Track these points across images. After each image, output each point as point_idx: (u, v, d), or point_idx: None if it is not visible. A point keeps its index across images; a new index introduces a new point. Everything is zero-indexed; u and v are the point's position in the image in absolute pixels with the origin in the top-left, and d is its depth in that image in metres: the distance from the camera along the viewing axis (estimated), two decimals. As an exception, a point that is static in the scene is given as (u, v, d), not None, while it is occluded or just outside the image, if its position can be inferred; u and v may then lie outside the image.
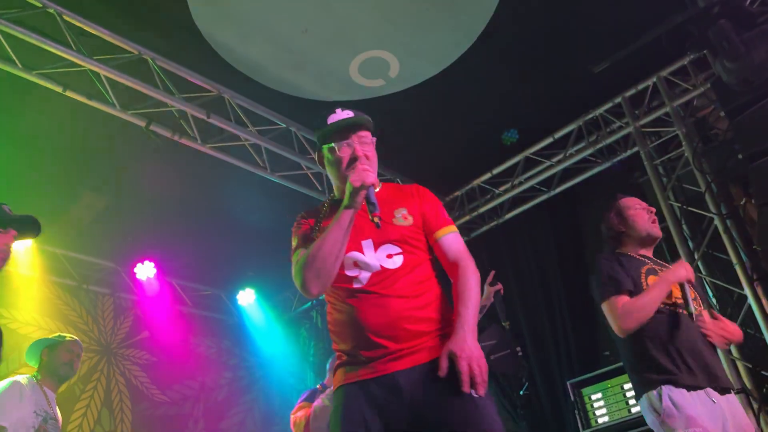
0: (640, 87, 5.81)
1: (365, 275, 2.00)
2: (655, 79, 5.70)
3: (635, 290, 2.73)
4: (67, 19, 4.44)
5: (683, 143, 5.47)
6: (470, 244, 4.36)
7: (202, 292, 7.91)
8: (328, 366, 4.52)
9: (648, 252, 2.99)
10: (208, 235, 6.74)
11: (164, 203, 6.18)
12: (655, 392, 2.56)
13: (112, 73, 4.67)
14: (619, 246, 3.00)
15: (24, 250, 6.21)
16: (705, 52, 4.74)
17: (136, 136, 5.14)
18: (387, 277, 1.99)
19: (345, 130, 2.12)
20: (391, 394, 1.86)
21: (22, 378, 3.69)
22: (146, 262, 6.94)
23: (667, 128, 5.71)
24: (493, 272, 4.01)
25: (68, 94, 4.61)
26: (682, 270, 2.75)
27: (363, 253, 2.02)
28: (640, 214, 2.99)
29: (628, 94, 5.87)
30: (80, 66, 4.59)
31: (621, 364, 4.60)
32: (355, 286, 2.00)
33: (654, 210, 3.05)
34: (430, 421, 1.82)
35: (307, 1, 4.56)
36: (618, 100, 5.92)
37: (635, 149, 5.89)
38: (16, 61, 4.38)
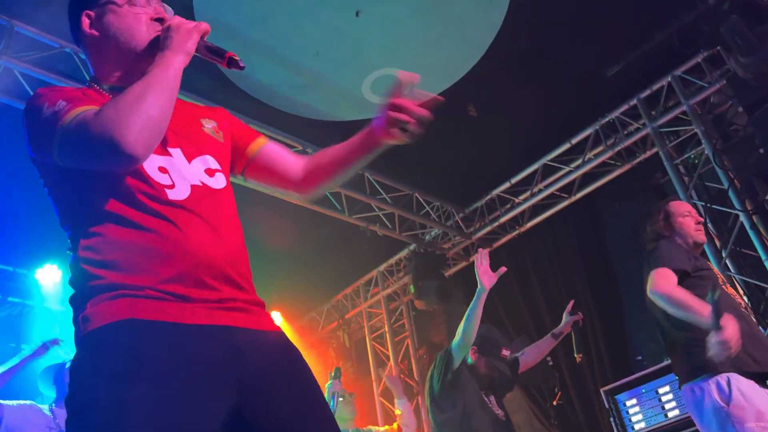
0: (655, 87, 5.77)
1: (182, 188, 1.37)
2: (669, 79, 5.66)
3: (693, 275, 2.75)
4: (84, 57, 4.55)
5: (703, 141, 5.41)
6: (493, 255, 4.37)
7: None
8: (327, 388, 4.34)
9: None
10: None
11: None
12: (719, 379, 2.48)
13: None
14: None
15: None
16: (718, 48, 4.72)
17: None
18: (212, 198, 1.41)
19: None
20: (224, 353, 1.24)
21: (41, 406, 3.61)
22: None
23: (686, 127, 5.66)
24: (572, 301, 4.13)
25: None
26: (727, 335, 2.38)
27: (171, 158, 1.41)
28: (687, 222, 3.02)
29: (643, 95, 5.84)
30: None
31: (655, 368, 4.56)
32: (171, 197, 1.34)
33: (702, 220, 3.06)
34: (263, 411, 1.25)
35: (318, 25, 4.62)
36: (633, 101, 5.89)
37: (654, 150, 5.84)
38: (38, 102, 4.49)
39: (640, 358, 5.43)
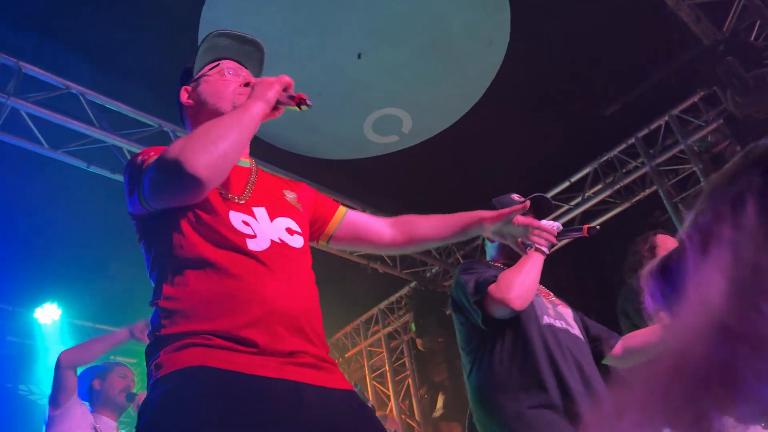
0: (653, 126, 5.84)
1: (262, 241, 1.42)
2: (667, 118, 5.73)
3: None
4: (89, 98, 4.62)
5: (701, 180, 5.45)
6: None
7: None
8: None
9: None
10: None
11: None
12: None
13: (134, 146, 4.82)
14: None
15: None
16: (714, 88, 4.79)
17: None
18: (289, 255, 1.46)
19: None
20: (289, 408, 1.24)
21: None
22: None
23: (684, 165, 5.71)
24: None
25: (92, 169, 4.76)
26: None
27: (254, 217, 1.47)
28: None
29: (641, 134, 5.90)
30: (103, 141, 4.74)
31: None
32: (251, 248, 1.39)
33: None
34: None
35: (320, 67, 4.71)
36: (632, 140, 5.95)
37: (653, 188, 5.88)
38: (43, 142, 4.54)
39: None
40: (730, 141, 5.12)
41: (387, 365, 7.81)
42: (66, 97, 4.56)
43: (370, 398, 7.73)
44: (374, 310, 7.97)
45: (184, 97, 1.67)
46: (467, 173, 5.91)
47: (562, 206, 6.41)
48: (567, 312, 2.27)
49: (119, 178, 4.90)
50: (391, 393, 7.67)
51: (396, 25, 4.60)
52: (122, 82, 4.61)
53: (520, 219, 1.85)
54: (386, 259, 6.74)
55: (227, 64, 1.66)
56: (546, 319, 2.10)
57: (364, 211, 6.29)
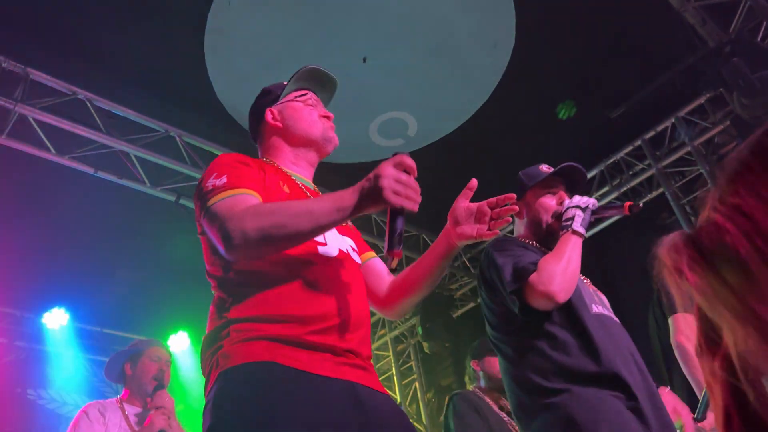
0: (659, 128, 5.82)
1: (332, 248, 1.52)
2: (673, 120, 5.72)
3: None
4: (96, 104, 4.65)
5: (709, 182, 5.43)
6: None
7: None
8: None
9: None
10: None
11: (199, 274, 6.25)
12: None
13: (141, 151, 4.84)
14: None
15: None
16: (721, 90, 4.78)
17: (167, 211, 5.27)
18: (351, 265, 1.56)
19: None
20: (350, 406, 1.30)
21: (96, 404, 3.02)
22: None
23: (691, 167, 5.69)
24: None
25: (100, 174, 4.78)
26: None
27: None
28: None
29: (648, 136, 5.89)
30: (110, 147, 4.76)
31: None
32: (321, 252, 1.48)
33: None
34: None
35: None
36: (638, 142, 5.93)
37: (660, 190, 5.86)
38: (50, 148, 4.57)
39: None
40: (737, 142, 5.10)
41: (394, 369, 7.80)
42: (73, 103, 4.58)
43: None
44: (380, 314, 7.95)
45: (269, 116, 1.75)
46: (473, 176, 5.88)
47: (568, 209, 6.39)
48: (604, 298, 2.17)
49: (126, 183, 4.92)
50: (398, 397, 7.66)
51: (401, 28, 4.61)
52: (129, 87, 4.64)
53: (464, 204, 1.68)
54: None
55: (312, 96, 1.81)
56: (594, 308, 2.00)
57: (370, 215, 6.30)
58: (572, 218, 2.03)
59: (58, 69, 4.46)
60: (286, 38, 4.50)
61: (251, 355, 1.28)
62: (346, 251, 1.57)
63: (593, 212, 2.04)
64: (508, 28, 4.68)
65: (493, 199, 1.65)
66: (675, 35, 4.80)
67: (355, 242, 1.70)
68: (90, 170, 4.73)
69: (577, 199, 2.07)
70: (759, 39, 4.56)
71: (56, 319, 6.22)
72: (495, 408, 3.40)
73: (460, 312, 7.48)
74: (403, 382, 7.76)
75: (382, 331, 8.02)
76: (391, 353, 7.88)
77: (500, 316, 2.04)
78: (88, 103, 4.61)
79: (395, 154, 1.44)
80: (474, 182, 1.69)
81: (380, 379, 7.43)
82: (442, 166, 5.79)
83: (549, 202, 2.23)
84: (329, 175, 5.59)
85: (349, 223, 1.71)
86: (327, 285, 1.43)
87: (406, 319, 7.75)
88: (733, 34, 4.56)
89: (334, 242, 1.54)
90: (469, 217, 1.65)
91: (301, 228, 1.32)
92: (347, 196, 1.35)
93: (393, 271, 1.52)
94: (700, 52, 4.72)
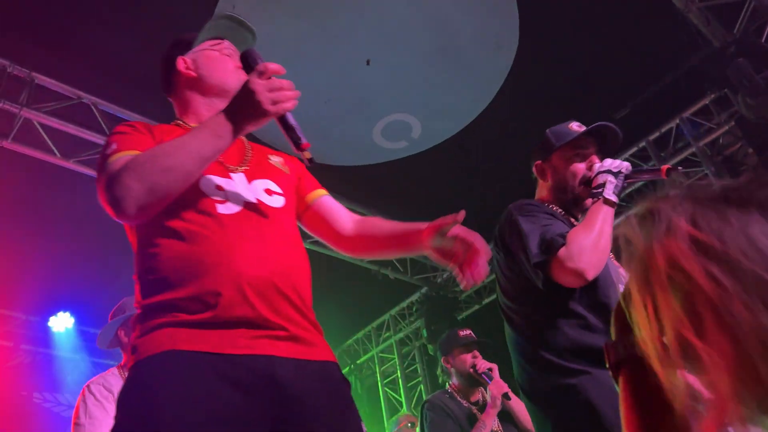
0: (664, 129, 5.81)
1: (234, 204, 1.37)
2: (678, 121, 5.70)
3: None
4: (101, 107, 4.66)
5: (714, 182, 5.40)
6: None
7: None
8: None
9: None
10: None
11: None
12: None
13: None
14: None
15: None
16: (725, 90, 4.76)
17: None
18: (267, 215, 1.41)
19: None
20: (265, 386, 1.20)
21: (98, 379, 2.84)
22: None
23: (696, 168, 5.67)
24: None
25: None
26: None
27: (231, 179, 1.43)
28: None
29: (652, 137, 5.87)
30: (115, 151, 4.77)
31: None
32: (220, 211, 1.34)
33: None
34: None
35: (329, 74, 4.72)
36: (642, 144, 5.92)
37: (665, 191, 5.84)
38: (55, 151, 4.58)
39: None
40: (742, 143, 5.08)
41: (399, 371, 7.79)
42: (78, 106, 4.60)
43: (383, 405, 7.71)
44: (385, 317, 7.96)
45: (181, 65, 1.61)
46: (477, 178, 5.90)
47: (573, 210, 6.38)
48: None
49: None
50: (403, 399, 7.65)
51: (404, 30, 4.61)
52: (133, 91, 4.65)
53: (456, 232, 1.45)
54: (397, 264, 6.73)
55: (228, 45, 1.66)
56: (621, 287, 1.79)
57: (373, 216, 6.30)
58: (603, 184, 1.85)
59: (63, 73, 4.48)
60: (289, 41, 4.51)
61: (153, 347, 1.19)
62: (255, 200, 1.41)
63: (626, 177, 1.85)
64: (511, 29, 4.67)
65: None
66: (679, 36, 4.79)
67: (279, 183, 1.52)
68: (95, 174, 4.73)
69: (609, 163, 1.89)
70: (763, 39, 4.54)
71: (62, 323, 6.24)
72: (465, 404, 3.37)
73: (464, 314, 7.47)
74: (408, 385, 7.76)
75: (387, 334, 8.01)
76: (396, 356, 7.88)
77: (516, 286, 1.91)
78: (92, 107, 4.62)
79: (247, 57, 1.46)
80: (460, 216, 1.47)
81: (385, 381, 7.41)
82: (447, 168, 5.79)
83: (578, 165, 2.02)
84: (334, 178, 5.60)
85: (273, 159, 1.61)
86: (232, 250, 1.28)
87: (411, 321, 7.74)
88: (737, 35, 4.54)
89: (238, 194, 1.40)
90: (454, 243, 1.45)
91: (185, 165, 1.25)
92: (222, 121, 1.31)
93: (311, 161, 1.36)
94: (704, 52, 4.71)
